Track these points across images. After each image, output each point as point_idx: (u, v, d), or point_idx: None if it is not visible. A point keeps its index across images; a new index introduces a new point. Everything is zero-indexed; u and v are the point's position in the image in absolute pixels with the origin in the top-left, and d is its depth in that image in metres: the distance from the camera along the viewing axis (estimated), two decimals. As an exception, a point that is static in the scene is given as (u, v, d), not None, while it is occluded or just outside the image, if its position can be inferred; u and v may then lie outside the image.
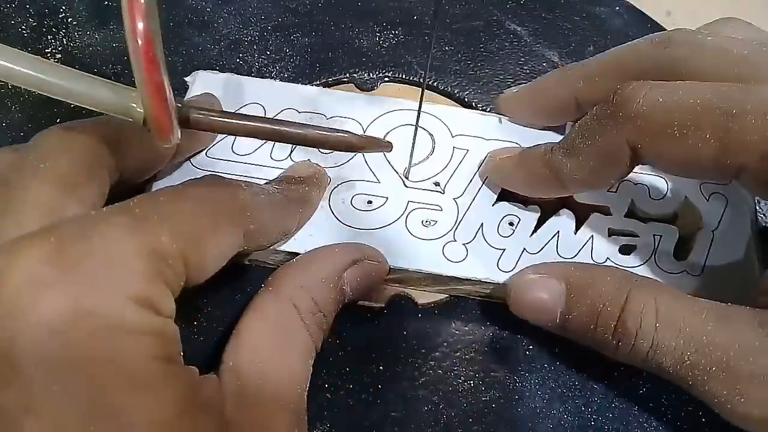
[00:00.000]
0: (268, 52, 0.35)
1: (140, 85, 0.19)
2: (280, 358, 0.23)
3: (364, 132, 0.30)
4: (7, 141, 0.31)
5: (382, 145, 0.28)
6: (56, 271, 0.18)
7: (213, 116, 0.23)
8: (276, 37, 0.35)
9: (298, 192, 0.27)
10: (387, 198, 0.29)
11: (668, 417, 0.26)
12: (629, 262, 0.27)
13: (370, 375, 0.26)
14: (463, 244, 0.27)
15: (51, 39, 0.35)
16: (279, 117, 0.30)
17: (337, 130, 0.26)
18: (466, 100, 0.33)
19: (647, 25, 0.38)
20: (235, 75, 0.31)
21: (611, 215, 0.28)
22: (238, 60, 0.34)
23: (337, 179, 0.29)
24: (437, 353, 0.27)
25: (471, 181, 0.29)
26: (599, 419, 0.26)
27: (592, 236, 0.28)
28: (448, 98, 0.34)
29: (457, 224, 0.28)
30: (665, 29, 0.32)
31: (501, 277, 0.27)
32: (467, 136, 0.30)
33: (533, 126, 0.30)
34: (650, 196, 0.29)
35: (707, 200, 0.29)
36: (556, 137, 0.30)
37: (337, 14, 0.37)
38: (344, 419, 0.25)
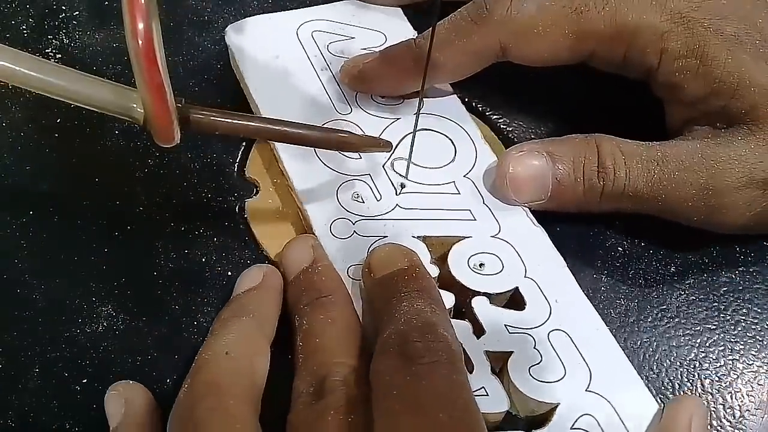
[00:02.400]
0: (268, 52, 0.35)
1: (140, 85, 0.19)
2: None
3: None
4: (7, 141, 0.31)
5: (381, 146, 0.28)
6: None
7: (214, 116, 0.23)
8: (276, 37, 0.35)
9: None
10: (352, 158, 0.29)
11: (668, 417, 0.26)
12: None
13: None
14: (355, 233, 0.27)
15: (51, 39, 0.35)
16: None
17: (337, 130, 0.26)
18: (466, 99, 0.33)
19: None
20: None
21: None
22: (238, 60, 0.34)
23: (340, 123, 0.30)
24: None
25: (428, 211, 0.28)
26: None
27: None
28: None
29: (374, 218, 0.27)
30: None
31: (346, 270, 0.26)
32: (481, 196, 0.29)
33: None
34: (540, 379, 0.24)
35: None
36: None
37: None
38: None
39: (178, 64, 0.34)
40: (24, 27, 0.35)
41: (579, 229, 0.30)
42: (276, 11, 0.36)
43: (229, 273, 0.28)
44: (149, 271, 0.27)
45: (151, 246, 0.28)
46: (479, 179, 0.29)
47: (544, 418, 0.24)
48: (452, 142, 0.30)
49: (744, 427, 0.26)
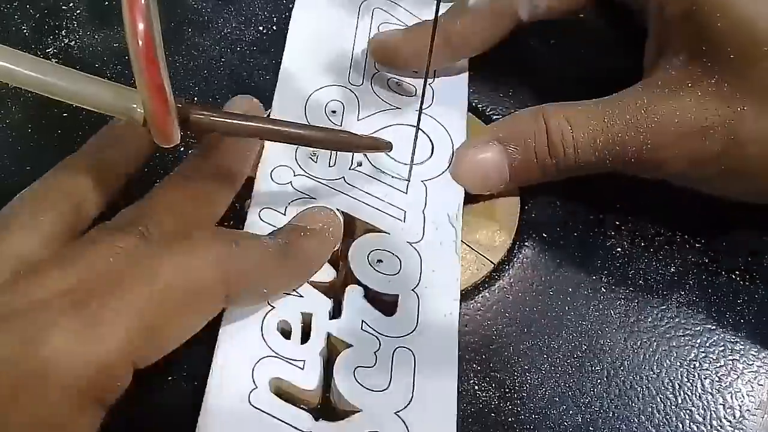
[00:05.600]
0: (268, 52, 0.35)
1: (140, 85, 0.19)
2: None
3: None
4: (7, 141, 0.31)
5: (381, 146, 0.28)
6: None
7: (214, 116, 0.23)
8: (276, 37, 0.35)
9: (301, 248, 0.25)
10: (334, 123, 0.30)
11: (667, 417, 0.26)
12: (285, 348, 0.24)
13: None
14: (290, 183, 0.28)
15: (51, 39, 0.35)
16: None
17: (338, 130, 0.26)
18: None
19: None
20: None
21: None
22: (238, 60, 0.34)
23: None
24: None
25: (368, 196, 0.28)
26: (599, 419, 0.26)
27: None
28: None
29: (314, 178, 0.28)
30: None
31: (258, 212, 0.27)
32: (420, 182, 0.29)
33: None
34: (354, 373, 0.24)
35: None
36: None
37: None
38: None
39: (178, 64, 0.34)
40: (24, 27, 0.35)
41: (579, 229, 0.30)
42: (277, 10, 0.36)
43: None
44: (149, 271, 0.27)
45: (151, 246, 0.28)
46: (435, 188, 0.29)
47: (343, 416, 0.24)
48: (432, 148, 0.30)
49: (744, 427, 0.26)
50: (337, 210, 0.27)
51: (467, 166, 0.29)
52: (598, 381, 0.27)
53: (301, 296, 0.25)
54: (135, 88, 0.20)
